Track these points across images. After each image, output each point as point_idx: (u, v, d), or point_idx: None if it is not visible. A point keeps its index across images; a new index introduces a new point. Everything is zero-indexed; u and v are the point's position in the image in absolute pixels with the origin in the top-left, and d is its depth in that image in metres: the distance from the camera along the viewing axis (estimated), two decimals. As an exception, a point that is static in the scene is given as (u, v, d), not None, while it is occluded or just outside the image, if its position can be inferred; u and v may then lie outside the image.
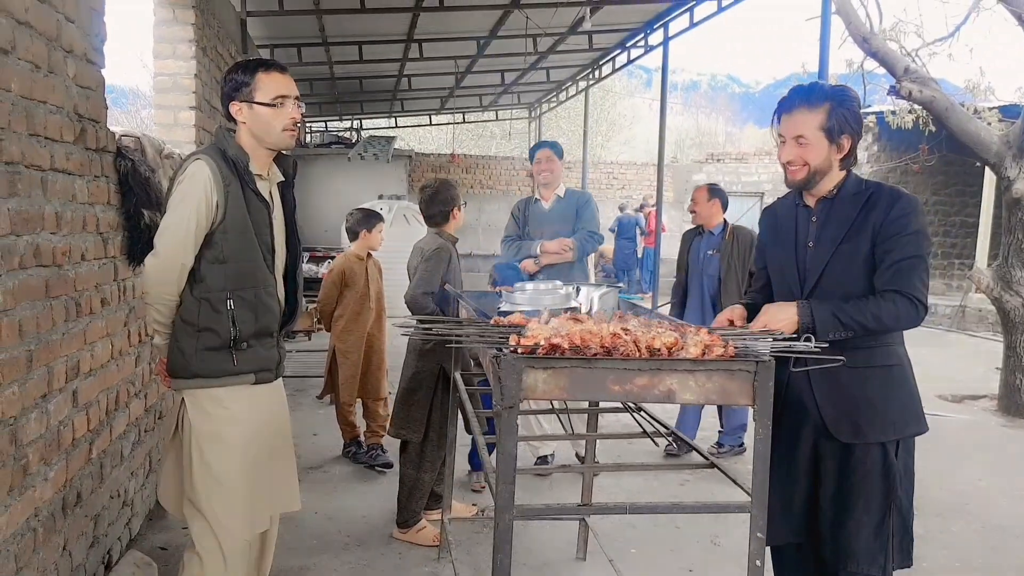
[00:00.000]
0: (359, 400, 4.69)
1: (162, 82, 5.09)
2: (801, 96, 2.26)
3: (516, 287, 2.56)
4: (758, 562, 1.96)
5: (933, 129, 9.18)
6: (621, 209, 16.21)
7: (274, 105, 2.32)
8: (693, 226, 5.10)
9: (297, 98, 2.39)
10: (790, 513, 2.34)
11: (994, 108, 9.79)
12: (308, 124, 16.73)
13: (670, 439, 4.44)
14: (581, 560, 3.50)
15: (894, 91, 7.08)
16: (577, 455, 4.71)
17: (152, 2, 5.06)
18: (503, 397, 1.82)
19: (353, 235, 4.68)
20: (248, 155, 2.35)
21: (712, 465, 2.35)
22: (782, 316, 2.18)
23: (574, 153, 23.09)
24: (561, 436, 2.93)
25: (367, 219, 4.65)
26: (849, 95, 2.29)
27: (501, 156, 19.20)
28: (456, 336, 2.12)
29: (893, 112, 10.47)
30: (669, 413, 4.93)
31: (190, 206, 2.26)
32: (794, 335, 2.09)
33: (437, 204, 3.67)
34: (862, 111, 9.07)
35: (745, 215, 17.71)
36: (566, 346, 1.90)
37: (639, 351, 1.93)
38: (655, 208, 12.32)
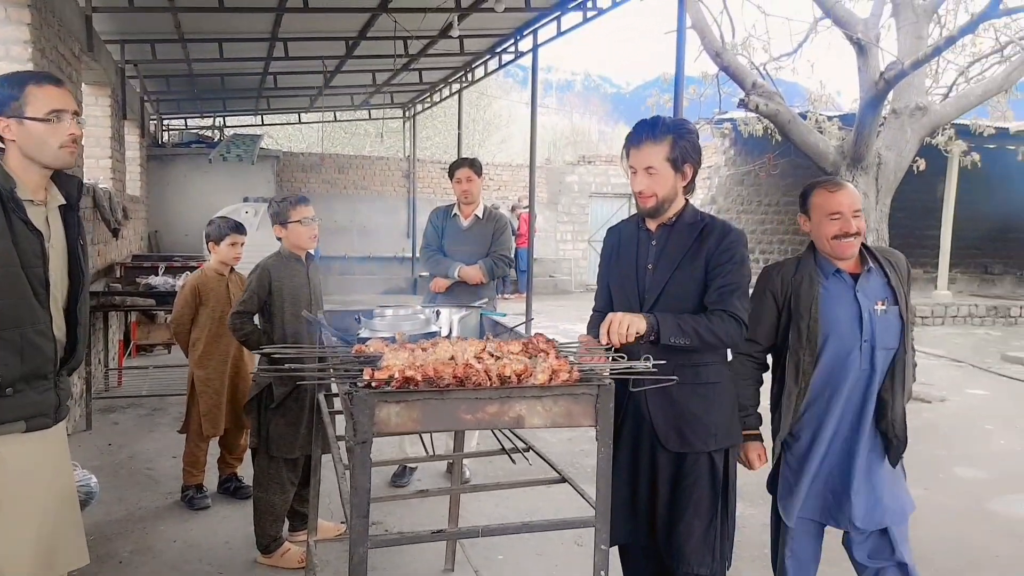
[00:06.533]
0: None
1: (-5, 86, 4.72)
2: (646, 130, 2.45)
3: (376, 312, 2.59)
4: (603, 572, 2.08)
5: (779, 139, 9.86)
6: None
7: (49, 120, 2.16)
8: (795, 259, 2.75)
9: (76, 113, 2.22)
10: (635, 517, 2.52)
11: (835, 117, 10.64)
12: (165, 121, 15.90)
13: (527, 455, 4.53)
14: (449, 571, 3.57)
15: (743, 104, 7.57)
16: (449, 467, 4.77)
17: (-18, -1, 4.68)
18: (355, 432, 1.85)
19: (208, 248, 4.44)
20: (14, 179, 2.16)
21: (563, 480, 2.47)
22: (629, 319, 2.27)
23: (450, 154, 23.10)
24: (423, 458, 2.98)
25: (217, 230, 4.30)
26: (689, 128, 2.50)
27: (375, 156, 18.94)
28: (309, 373, 2.12)
29: (746, 123, 11.16)
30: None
31: None
32: (634, 352, 2.23)
33: (270, 220, 3.59)
34: (720, 117, 9.55)
35: (615, 215, 18.38)
36: (419, 378, 1.95)
37: (490, 380, 2.00)
38: (527, 210, 12.57)
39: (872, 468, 2.65)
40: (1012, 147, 12.58)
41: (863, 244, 2.63)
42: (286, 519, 3.73)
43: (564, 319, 11.62)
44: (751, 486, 4.47)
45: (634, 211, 2.63)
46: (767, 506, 4.41)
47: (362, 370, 1.98)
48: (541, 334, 2.32)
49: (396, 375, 1.93)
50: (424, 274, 5.04)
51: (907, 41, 7.30)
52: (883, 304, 2.58)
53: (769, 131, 10.33)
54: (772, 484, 2.87)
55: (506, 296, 14.70)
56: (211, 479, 4.50)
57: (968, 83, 8.95)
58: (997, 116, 11.31)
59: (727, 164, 16.84)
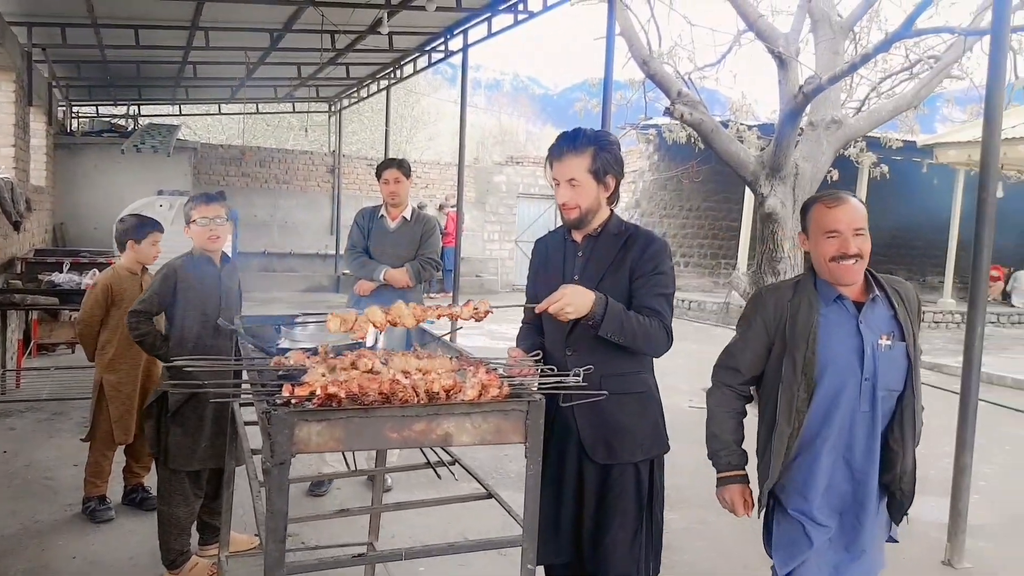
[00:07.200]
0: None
1: None
2: (568, 142, 2.45)
3: (297, 321, 2.49)
4: (530, 594, 2.04)
5: (702, 147, 10.09)
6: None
7: None
8: (793, 281, 2.43)
9: None
10: (559, 533, 2.49)
11: (754, 127, 10.96)
12: (76, 109, 15.12)
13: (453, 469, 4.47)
14: (369, 583, 3.47)
15: (668, 112, 7.71)
16: (370, 476, 4.66)
17: None
18: (273, 454, 1.75)
19: (121, 246, 4.18)
20: None
21: (490, 496, 2.42)
22: (579, 300, 2.25)
23: (377, 150, 22.78)
24: (343, 473, 2.88)
25: (138, 228, 4.09)
26: (610, 140, 2.51)
27: (299, 150, 18.48)
28: (220, 389, 2.01)
29: (670, 130, 11.38)
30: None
31: None
32: (564, 372, 2.20)
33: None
34: (645, 123, 9.69)
35: (541, 216, 18.48)
36: (343, 395, 1.86)
37: (418, 396, 1.94)
38: (454, 209, 12.48)
39: (873, 522, 2.37)
40: (918, 159, 13.26)
41: (868, 270, 2.30)
42: (196, 532, 3.56)
43: (490, 320, 11.57)
44: (670, 490, 4.53)
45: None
46: (689, 510, 4.49)
47: (281, 386, 1.88)
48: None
49: (318, 391, 1.84)
50: (347, 272, 4.92)
51: (824, 56, 7.57)
52: (888, 339, 2.25)
53: (692, 139, 10.56)
54: (767, 539, 2.54)
55: (432, 296, 14.56)
56: (115, 490, 4.25)
57: (880, 98, 9.35)
58: (905, 130, 11.89)
59: (651, 169, 17.17)
